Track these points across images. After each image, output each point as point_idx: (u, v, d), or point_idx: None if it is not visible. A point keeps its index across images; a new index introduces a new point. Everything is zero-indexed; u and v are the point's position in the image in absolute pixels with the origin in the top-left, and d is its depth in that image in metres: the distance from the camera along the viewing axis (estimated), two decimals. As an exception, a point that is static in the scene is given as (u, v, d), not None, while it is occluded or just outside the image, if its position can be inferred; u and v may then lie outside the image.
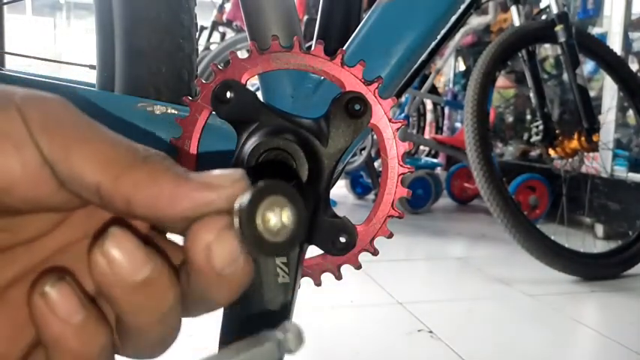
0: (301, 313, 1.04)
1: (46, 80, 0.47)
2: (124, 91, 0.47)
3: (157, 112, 0.46)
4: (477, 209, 2.47)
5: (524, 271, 1.44)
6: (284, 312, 0.41)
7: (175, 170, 0.19)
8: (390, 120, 0.41)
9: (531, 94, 1.58)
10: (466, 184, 2.52)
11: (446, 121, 3.09)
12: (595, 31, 2.17)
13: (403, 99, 2.41)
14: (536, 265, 1.38)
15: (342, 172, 0.56)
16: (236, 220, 0.18)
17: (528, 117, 2.71)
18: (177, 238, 0.21)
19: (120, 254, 0.18)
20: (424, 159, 2.73)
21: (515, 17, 1.61)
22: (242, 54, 0.41)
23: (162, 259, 0.19)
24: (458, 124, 3.05)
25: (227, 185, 0.19)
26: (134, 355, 0.22)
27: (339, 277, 0.43)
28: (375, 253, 0.43)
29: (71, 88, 0.47)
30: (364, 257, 0.43)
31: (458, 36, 2.38)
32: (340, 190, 2.61)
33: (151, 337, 0.21)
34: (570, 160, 1.56)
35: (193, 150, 0.42)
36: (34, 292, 0.19)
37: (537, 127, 1.56)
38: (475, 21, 2.34)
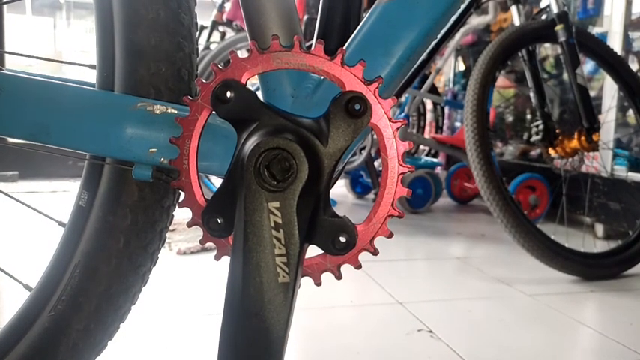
0: (301, 313, 1.05)
1: (46, 80, 0.47)
2: (124, 90, 0.47)
3: (157, 112, 0.46)
4: (477, 209, 2.47)
5: (524, 271, 1.44)
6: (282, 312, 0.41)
7: None
8: (390, 120, 0.41)
9: (531, 94, 1.58)
10: (466, 184, 2.52)
11: (446, 121, 3.09)
12: (595, 30, 2.17)
13: (403, 99, 2.41)
14: (536, 265, 1.38)
15: (342, 171, 0.56)
16: None
17: (528, 117, 2.71)
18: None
19: None
20: (424, 159, 2.73)
21: (515, 17, 1.61)
22: (242, 54, 0.41)
23: None
24: (458, 124, 3.04)
25: None
26: None
27: (339, 276, 0.43)
28: (375, 252, 0.43)
29: (71, 87, 0.47)
30: (364, 257, 0.43)
31: (458, 36, 2.38)
32: (340, 190, 2.61)
33: None
34: (570, 159, 1.56)
35: (193, 150, 0.42)
36: None
37: (537, 126, 1.56)
38: (475, 21, 2.34)
